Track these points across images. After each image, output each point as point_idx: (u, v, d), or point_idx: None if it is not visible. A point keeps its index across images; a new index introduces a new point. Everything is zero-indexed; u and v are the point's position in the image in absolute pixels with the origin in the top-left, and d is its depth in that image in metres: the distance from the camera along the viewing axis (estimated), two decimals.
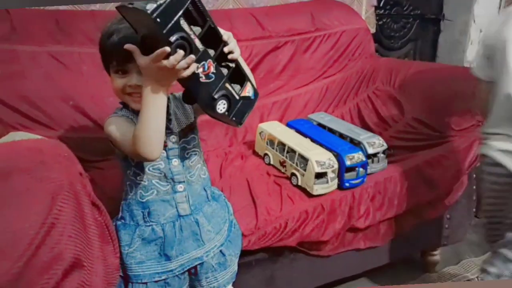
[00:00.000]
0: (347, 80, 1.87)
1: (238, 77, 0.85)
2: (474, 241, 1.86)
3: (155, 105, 0.78)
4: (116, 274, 0.71)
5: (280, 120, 1.68)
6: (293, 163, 1.31)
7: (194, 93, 0.81)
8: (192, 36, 0.73)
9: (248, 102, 0.87)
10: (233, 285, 1.07)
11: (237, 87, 0.85)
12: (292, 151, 1.33)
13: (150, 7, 0.66)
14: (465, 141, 1.46)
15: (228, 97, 0.82)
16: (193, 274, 0.97)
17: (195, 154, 0.96)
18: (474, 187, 1.60)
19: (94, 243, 0.63)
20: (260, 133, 1.49)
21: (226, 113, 0.82)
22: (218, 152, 1.53)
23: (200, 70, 0.76)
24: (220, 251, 0.99)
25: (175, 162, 0.91)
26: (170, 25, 0.68)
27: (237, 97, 0.84)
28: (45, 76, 1.36)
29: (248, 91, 0.87)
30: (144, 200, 0.91)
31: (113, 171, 1.26)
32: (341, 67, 1.89)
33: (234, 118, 0.84)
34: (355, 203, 1.28)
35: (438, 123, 1.48)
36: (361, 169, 1.29)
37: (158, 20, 0.66)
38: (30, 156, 0.60)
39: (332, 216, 1.25)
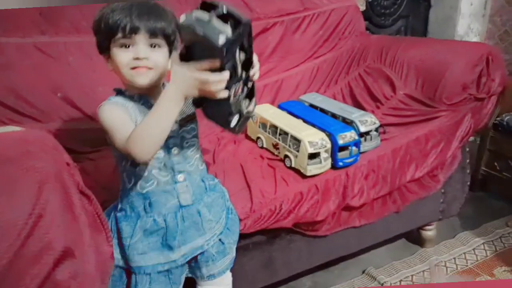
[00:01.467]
0: (338, 59, 1.85)
1: (250, 93, 0.89)
2: (469, 214, 1.87)
3: (171, 112, 0.78)
4: (110, 263, 0.71)
5: (272, 103, 1.67)
6: (286, 145, 1.31)
7: (213, 106, 0.82)
8: (238, 63, 0.79)
9: (250, 116, 0.92)
10: (231, 270, 1.08)
11: (246, 102, 0.89)
12: (284, 133, 1.33)
13: (222, 40, 0.71)
14: (457, 115, 1.46)
15: (241, 113, 0.86)
16: (193, 262, 0.98)
17: (194, 144, 0.95)
18: (468, 160, 1.61)
19: (85, 232, 0.63)
20: (251, 117, 1.48)
21: (236, 127, 0.86)
22: (210, 137, 1.52)
23: (232, 92, 0.80)
24: (219, 239, 0.99)
25: (175, 151, 0.91)
26: (229, 55, 0.74)
27: (245, 112, 0.88)
28: (31, 68, 1.33)
29: (253, 106, 0.91)
30: (144, 191, 0.90)
31: (105, 161, 1.26)
32: (332, 46, 1.87)
33: (237, 129, 0.87)
34: (349, 182, 1.29)
35: (430, 99, 1.48)
36: (354, 148, 1.29)
37: (224, 51, 0.72)
38: (15, 146, 0.59)
39: (326, 196, 1.26)
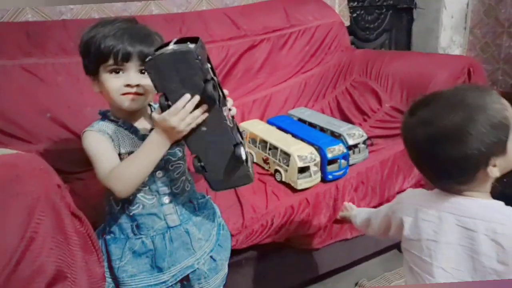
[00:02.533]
0: (325, 74, 1.88)
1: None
2: None
3: (154, 156, 0.80)
4: (101, 284, 0.70)
5: (261, 118, 1.69)
6: (276, 159, 1.32)
7: (216, 154, 0.82)
8: (216, 81, 0.78)
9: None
10: (224, 286, 1.07)
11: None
12: (274, 147, 1.34)
13: (191, 47, 0.71)
14: None
15: (243, 145, 0.84)
16: (185, 281, 0.97)
17: (179, 166, 0.94)
18: None
19: (77, 253, 0.63)
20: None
21: (245, 162, 0.83)
22: None
23: (225, 113, 0.79)
24: (211, 256, 0.98)
25: (159, 174, 0.90)
26: (205, 66, 0.73)
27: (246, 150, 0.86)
28: (19, 90, 1.34)
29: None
30: (131, 214, 0.90)
31: (94, 180, 1.23)
32: (318, 61, 1.90)
33: (251, 169, 0.87)
34: (339, 194, 1.30)
35: None
36: (343, 161, 1.30)
37: (197, 55, 0.71)
38: (4, 172, 0.59)
39: (317, 210, 1.27)
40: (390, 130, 1.53)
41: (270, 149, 1.36)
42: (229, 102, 0.86)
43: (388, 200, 1.42)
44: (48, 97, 1.37)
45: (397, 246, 1.72)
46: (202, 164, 0.83)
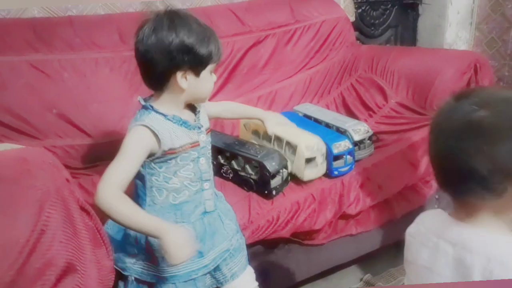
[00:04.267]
0: (330, 69, 1.88)
1: None
2: None
3: (145, 232, 0.83)
4: (110, 277, 0.71)
5: None
6: (282, 150, 1.30)
7: None
8: None
9: None
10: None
11: None
12: (278, 139, 1.33)
13: None
14: None
15: None
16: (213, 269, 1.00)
17: (210, 156, 1.00)
18: None
19: (86, 247, 0.63)
20: (244, 125, 1.48)
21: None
22: None
23: None
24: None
25: (202, 160, 0.95)
26: None
27: None
28: (26, 85, 1.34)
29: None
30: (177, 202, 0.93)
31: (101, 177, 1.26)
32: (323, 57, 1.90)
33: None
34: (345, 190, 1.30)
35: (421, 106, 1.51)
36: (348, 157, 1.30)
37: None
38: (15, 165, 0.60)
39: (323, 205, 1.27)
40: (396, 125, 1.53)
41: (275, 140, 1.34)
42: None
43: (394, 197, 1.42)
44: (54, 93, 1.38)
45: (401, 242, 1.72)
46: None
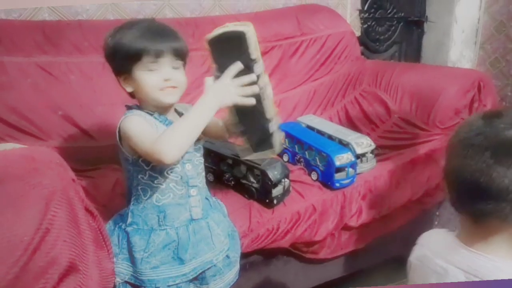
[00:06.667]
0: (334, 82, 1.89)
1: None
2: None
3: (204, 117, 0.83)
4: (111, 279, 0.71)
5: None
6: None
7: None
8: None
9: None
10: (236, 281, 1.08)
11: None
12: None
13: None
14: None
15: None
16: (200, 278, 0.98)
17: (201, 163, 0.99)
18: None
19: (89, 247, 0.63)
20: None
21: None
22: None
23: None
24: (227, 255, 1.01)
25: (188, 166, 0.94)
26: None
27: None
28: (33, 86, 1.35)
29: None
30: (160, 204, 0.92)
31: (104, 179, 1.27)
32: (328, 70, 1.91)
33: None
34: (346, 202, 1.30)
35: (424, 122, 1.51)
36: (350, 169, 1.31)
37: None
38: (23, 163, 0.60)
39: (324, 217, 1.27)
40: (398, 140, 1.54)
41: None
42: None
43: (395, 211, 1.42)
44: (60, 95, 1.39)
45: (401, 257, 1.71)
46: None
